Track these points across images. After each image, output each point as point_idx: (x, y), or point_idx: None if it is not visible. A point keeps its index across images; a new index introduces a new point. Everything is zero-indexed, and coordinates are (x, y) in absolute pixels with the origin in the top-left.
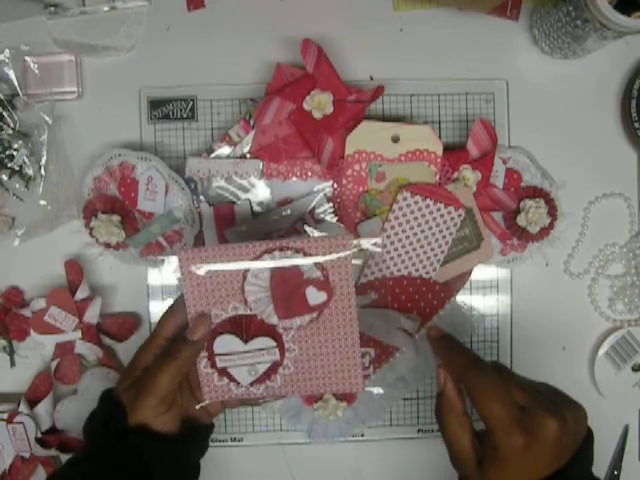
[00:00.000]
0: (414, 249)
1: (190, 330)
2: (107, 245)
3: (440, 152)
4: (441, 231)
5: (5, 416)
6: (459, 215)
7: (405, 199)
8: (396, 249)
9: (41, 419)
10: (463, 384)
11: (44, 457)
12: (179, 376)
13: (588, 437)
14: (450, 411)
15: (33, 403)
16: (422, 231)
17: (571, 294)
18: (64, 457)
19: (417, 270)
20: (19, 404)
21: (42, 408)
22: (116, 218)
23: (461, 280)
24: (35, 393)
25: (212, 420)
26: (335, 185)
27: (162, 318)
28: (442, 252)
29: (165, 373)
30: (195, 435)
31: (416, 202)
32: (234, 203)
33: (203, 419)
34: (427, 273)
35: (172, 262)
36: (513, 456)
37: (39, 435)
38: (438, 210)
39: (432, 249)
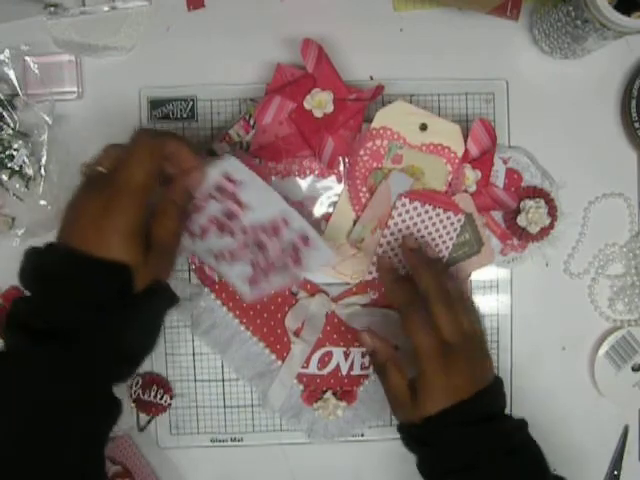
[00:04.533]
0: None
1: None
2: None
3: (460, 154)
4: (441, 236)
5: None
6: (458, 220)
7: (404, 205)
8: (397, 255)
9: None
10: (400, 316)
11: None
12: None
13: (497, 379)
14: (386, 359)
15: None
16: (422, 237)
17: (571, 294)
18: None
19: None
20: None
21: None
22: None
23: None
24: None
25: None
26: (347, 159)
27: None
28: (442, 257)
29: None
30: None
31: (415, 208)
32: None
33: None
34: None
35: None
36: (435, 376)
37: None
38: (437, 215)
39: None
